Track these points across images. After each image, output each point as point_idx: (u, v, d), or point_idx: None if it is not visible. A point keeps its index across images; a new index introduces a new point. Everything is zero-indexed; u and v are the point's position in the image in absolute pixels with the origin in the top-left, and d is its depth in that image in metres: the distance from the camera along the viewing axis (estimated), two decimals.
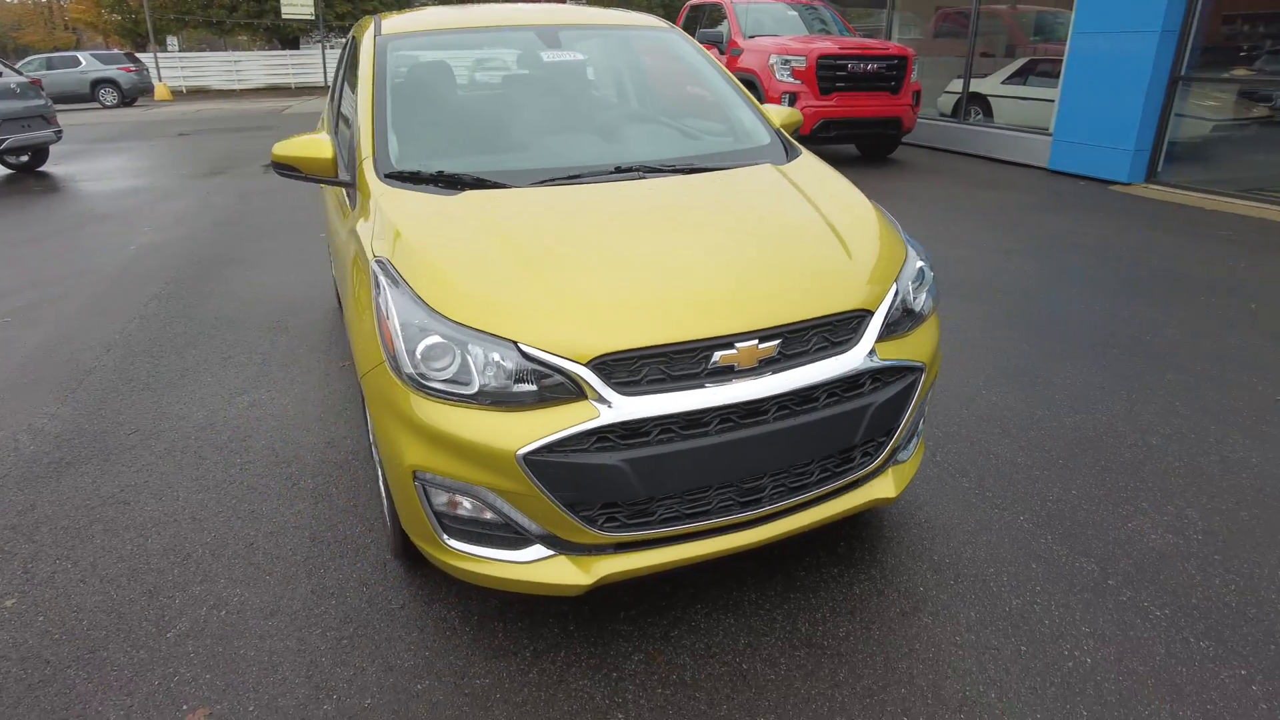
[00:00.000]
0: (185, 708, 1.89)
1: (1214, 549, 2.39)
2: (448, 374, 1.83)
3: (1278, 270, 5.13)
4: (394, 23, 2.92)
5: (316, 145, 2.52)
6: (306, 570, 2.37)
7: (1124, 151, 7.99)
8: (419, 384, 1.85)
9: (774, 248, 2.13)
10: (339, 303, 4.40)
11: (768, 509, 1.99)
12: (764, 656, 2.03)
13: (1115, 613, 2.14)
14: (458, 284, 1.92)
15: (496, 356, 1.80)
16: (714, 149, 2.77)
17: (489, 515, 1.88)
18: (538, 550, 1.90)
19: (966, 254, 5.56)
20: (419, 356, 1.84)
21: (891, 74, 8.91)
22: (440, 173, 2.37)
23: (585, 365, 1.78)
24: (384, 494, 2.34)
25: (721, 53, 9.65)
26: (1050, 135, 8.92)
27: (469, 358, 1.81)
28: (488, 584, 1.93)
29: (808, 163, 2.71)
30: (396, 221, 2.14)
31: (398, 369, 1.87)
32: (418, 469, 1.86)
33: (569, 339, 1.80)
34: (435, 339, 1.83)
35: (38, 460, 3.00)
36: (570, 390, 1.79)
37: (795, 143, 2.85)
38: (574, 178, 2.38)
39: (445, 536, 1.93)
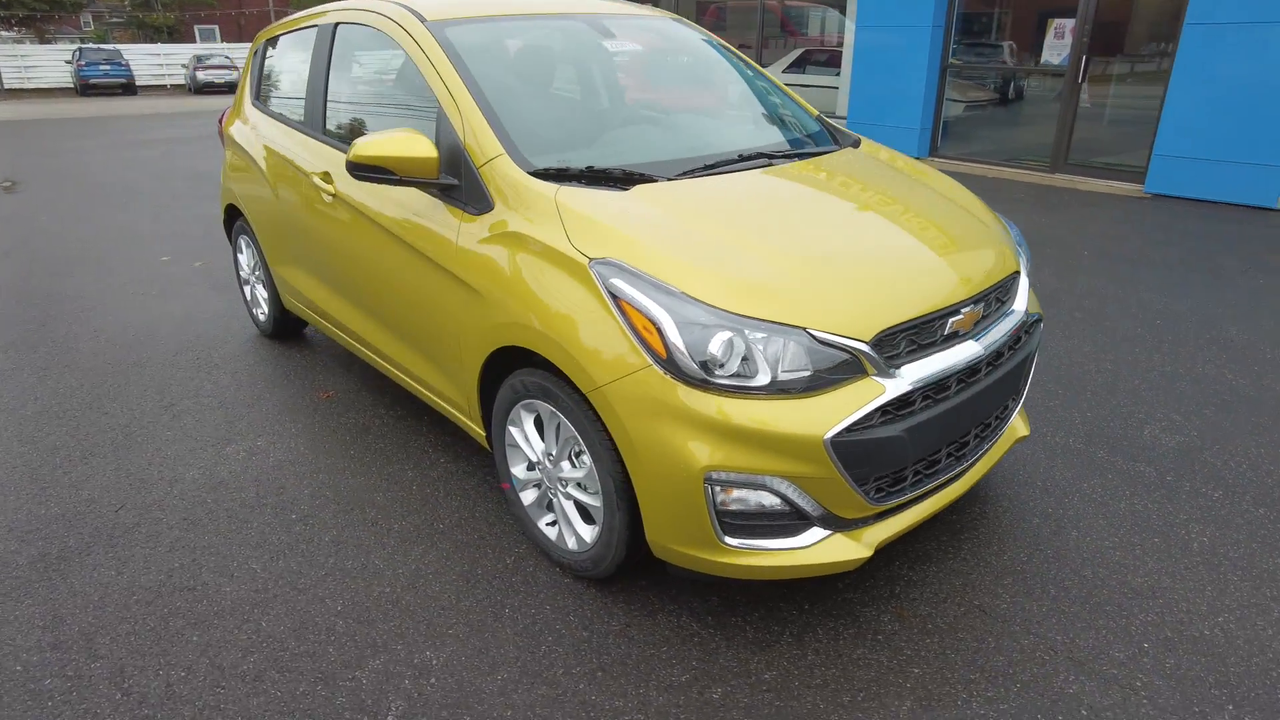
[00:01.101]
0: None
1: None
2: (733, 367, 1.76)
3: (1083, 224, 6.29)
4: (436, 8, 2.63)
5: (414, 143, 2.21)
6: (491, 614, 2.12)
7: (911, 130, 9.21)
8: (705, 382, 1.76)
9: (940, 221, 2.28)
10: (264, 327, 3.86)
11: (970, 460, 2.17)
12: (987, 589, 2.20)
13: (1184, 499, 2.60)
14: (718, 277, 1.84)
15: (787, 344, 1.77)
16: (795, 135, 2.83)
17: (772, 506, 1.84)
18: (815, 533, 1.90)
19: None
20: (709, 352, 1.75)
21: None
22: (590, 168, 2.22)
23: (867, 343, 1.82)
24: (562, 512, 2.17)
25: None
26: (843, 120, 10.01)
27: (755, 349, 1.77)
28: (765, 575, 1.89)
29: (874, 146, 2.88)
30: (604, 219, 1.98)
31: (675, 368, 1.77)
32: (711, 469, 1.77)
33: (850, 319, 1.82)
34: (725, 334, 1.75)
35: (10, 563, 2.33)
36: (852, 369, 1.81)
37: (842, 128, 3.02)
38: (711, 167, 2.34)
39: (725, 536, 1.86)
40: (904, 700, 1.84)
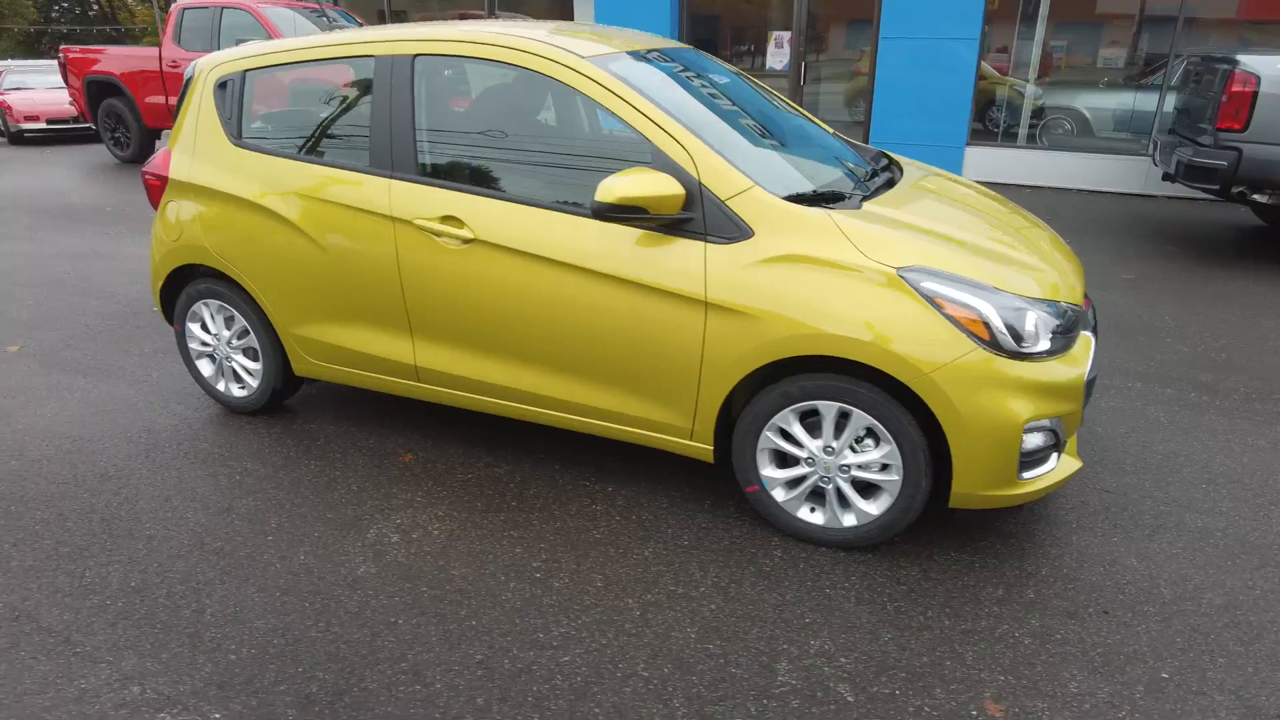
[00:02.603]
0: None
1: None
2: (1042, 341, 2.25)
3: None
4: (581, 46, 2.59)
5: (665, 182, 2.28)
6: (813, 595, 2.34)
7: None
8: (1017, 354, 2.22)
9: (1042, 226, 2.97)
10: (245, 403, 3.36)
11: None
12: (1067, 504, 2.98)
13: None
14: (995, 271, 2.30)
15: (1051, 316, 2.30)
16: (860, 156, 3.24)
17: (1046, 442, 2.37)
18: (1056, 458, 2.48)
19: None
20: (1026, 330, 2.21)
21: None
22: (814, 192, 2.49)
23: (1079, 308, 2.44)
24: (836, 497, 2.48)
25: None
26: None
27: (1041, 322, 2.27)
28: (1032, 498, 2.41)
29: (920, 163, 3.44)
30: (883, 234, 2.29)
31: (997, 347, 2.20)
32: (1030, 420, 2.24)
33: (1069, 293, 2.42)
34: (1032, 314, 2.23)
35: None
36: (1073, 329, 2.42)
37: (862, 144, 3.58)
38: (878, 189, 2.74)
39: (1021, 473, 2.35)
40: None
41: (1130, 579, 2.44)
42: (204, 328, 3.38)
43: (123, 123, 9.73)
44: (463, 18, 8.93)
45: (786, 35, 9.32)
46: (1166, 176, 6.11)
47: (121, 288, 5.22)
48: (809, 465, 2.49)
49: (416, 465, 3.07)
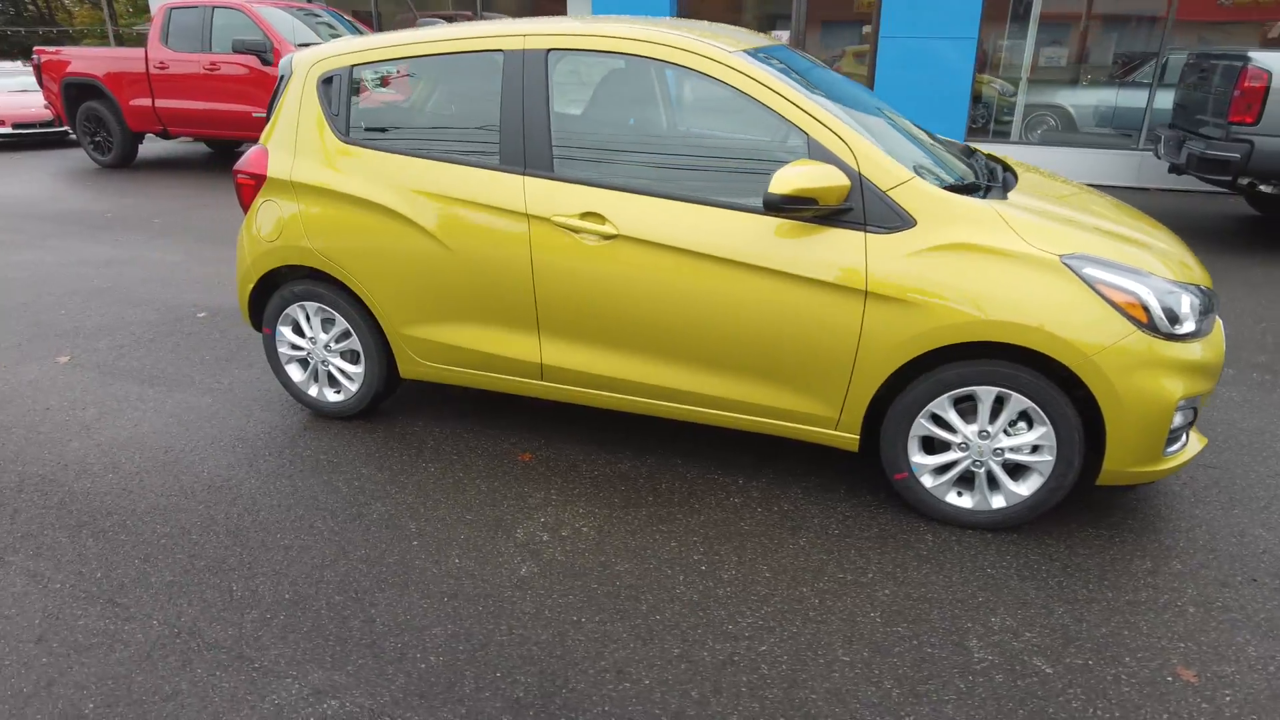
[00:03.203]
0: None
1: None
2: (1190, 323, 2.34)
3: None
4: (722, 37, 2.60)
5: (833, 174, 2.31)
6: (985, 572, 2.40)
7: None
8: (1171, 335, 2.31)
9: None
10: (343, 407, 3.30)
11: None
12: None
13: None
14: (1145, 257, 2.39)
15: (1195, 299, 2.40)
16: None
17: (1185, 419, 2.46)
18: (1188, 435, 2.58)
19: None
20: (1182, 312, 2.30)
21: None
22: (962, 183, 2.55)
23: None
24: (985, 480, 2.55)
25: (266, 63, 8.40)
26: None
27: (1191, 305, 2.36)
28: (1169, 474, 2.51)
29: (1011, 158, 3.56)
30: (1041, 223, 2.36)
31: (1155, 330, 2.28)
32: (1181, 398, 2.33)
33: (1200, 277, 2.53)
34: (1185, 297, 2.32)
35: None
36: (1208, 310, 2.52)
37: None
38: (988, 181, 2.81)
39: (1167, 449, 2.44)
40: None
41: (1265, 548, 2.55)
42: (296, 331, 3.29)
43: (104, 126, 9.35)
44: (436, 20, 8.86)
45: (785, 35, 9.44)
46: (1174, 169, 6.37)
47: (157, 294, 5.04)
48: (961, 450, 2.54)
49: (538, 464, 3.04)
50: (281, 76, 3.13)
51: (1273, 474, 2.96)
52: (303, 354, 3.32)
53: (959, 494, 2.63)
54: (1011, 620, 2.24)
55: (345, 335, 3.21)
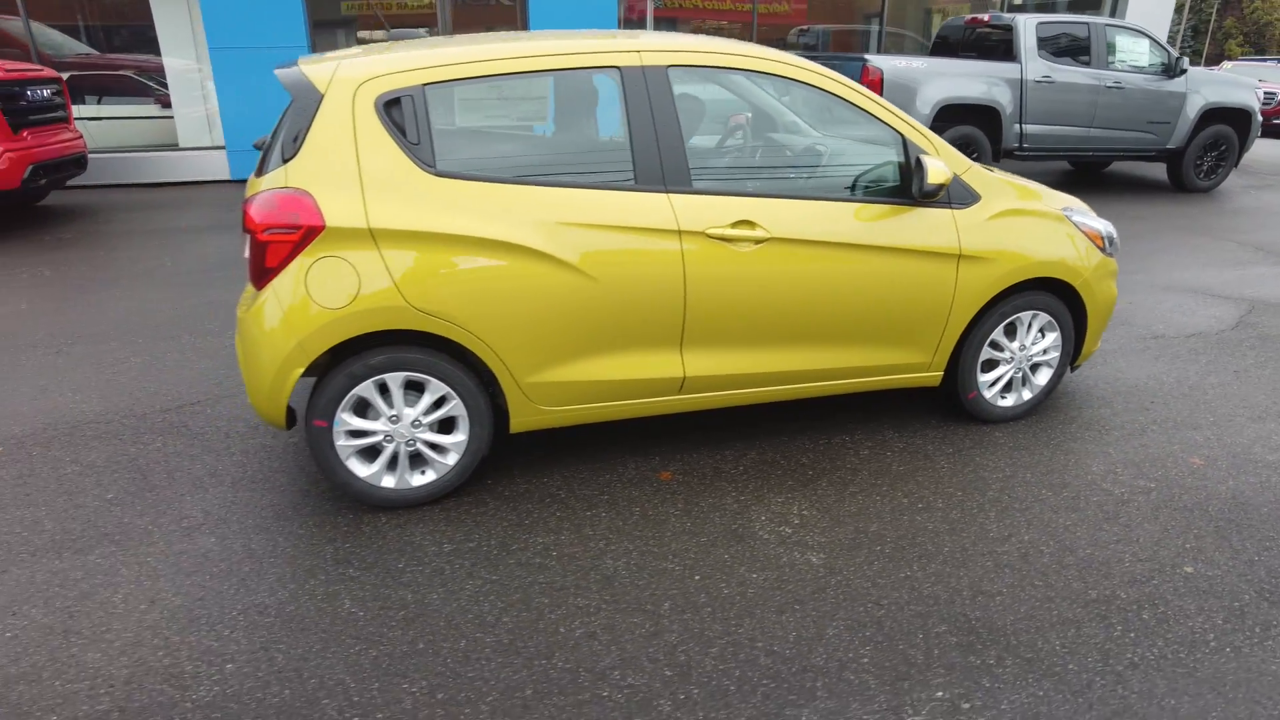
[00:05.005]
0: None
1: None
2: (1115, 243, 3.49)
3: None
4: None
5: (947, 166, 2.87)
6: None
7: None
8: (1110, 254, 3.44)
9: None
10: (439, 486, 2.92)
11: None
12: None
13: None
14: (1082, 206, 3.45)
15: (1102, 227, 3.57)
16: None
17: None
18: None
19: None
20: (1116, 238, 3.43)
21: (59, 100, 7.18)
22: (977, 161, 3.29)
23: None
24: (1023, 383, 3.42)
25: None
26: (221, 149, 9.07)
27: (1115, 232, 3.52)
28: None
29: None
30: (1044, 193, 3.25)
31: (1106, 252, 3.38)
32: (1115, 296, 3.49)
33: None
34: (1110, 226, 3.45)
35: None
36: None
37: None
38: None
39: None
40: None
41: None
42: (358, 414, 2.66)
43: None
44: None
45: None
46: None
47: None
48: (1008, 362, 3.38)
49: (680, 476, 3.02)
50: (316, 100, 2.47)
51: None
52: (372, 441, 2.69)
53: (1003, 397, 3.47)
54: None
55: (436, 404, 2.71)
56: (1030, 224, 3.19)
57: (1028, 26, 7.79)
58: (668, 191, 2.72)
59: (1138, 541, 2.68)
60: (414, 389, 2.71)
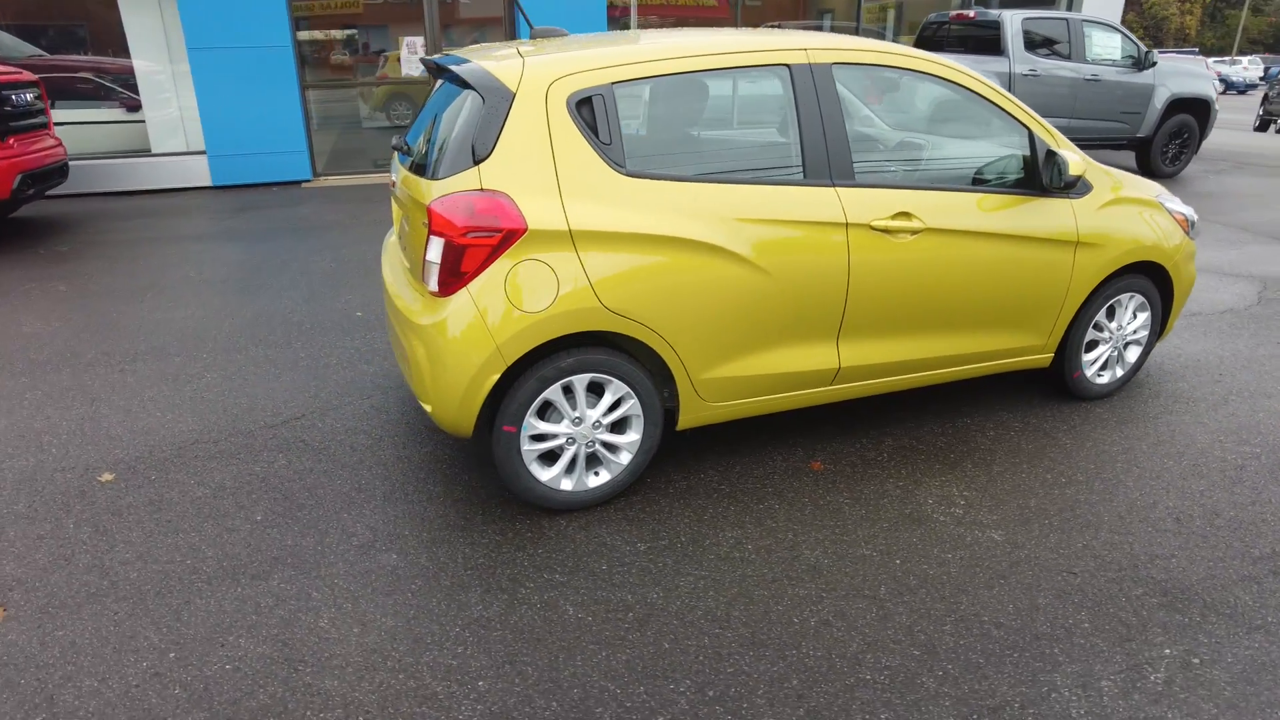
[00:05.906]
0: None
1: None
2: (1196, 226, 3.72)
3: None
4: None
5: (1080, 159, 3.03)
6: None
7: (299, 154, 8.89)
8: (1191, 237, 3.67)
9: None
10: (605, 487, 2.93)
11: None
12: None
13: None
14: (1166, 192, 3.67)
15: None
16: None
17: None
18: None
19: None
20: (1198, 222, 3.66)
21: (40, 105, 6.74)
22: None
23: None
24: (1114, 360, 3.62)
25: None
26: (203, 153, 8.66)
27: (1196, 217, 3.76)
28: None
29: None
30: (1133, 178, 3.43)
31: (1188, 234, 3.61)
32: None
33: None
34: (1193, 212, 3.69)
35: None
36: None
37: None
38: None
39: None
40: None
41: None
42: (542, 417, 2.65)
43: None
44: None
45: (420, 40, 9.11)
46: None
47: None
48: (1106, 342, 3.57)
49: (830, 465, 3.10)
50: (508, 100, 2.43)
51: None
52: (552, 445, 2.68)
53: (1100, 375, 3.67)
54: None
55: (614, 405, 2.72)
56: (1134, 211, 3.38)
57: (1014, 22, 8.15)
58: (835, 185, 2.79)
59: (1272, 502, 2.89)
60: (591, 391, 2.70)
